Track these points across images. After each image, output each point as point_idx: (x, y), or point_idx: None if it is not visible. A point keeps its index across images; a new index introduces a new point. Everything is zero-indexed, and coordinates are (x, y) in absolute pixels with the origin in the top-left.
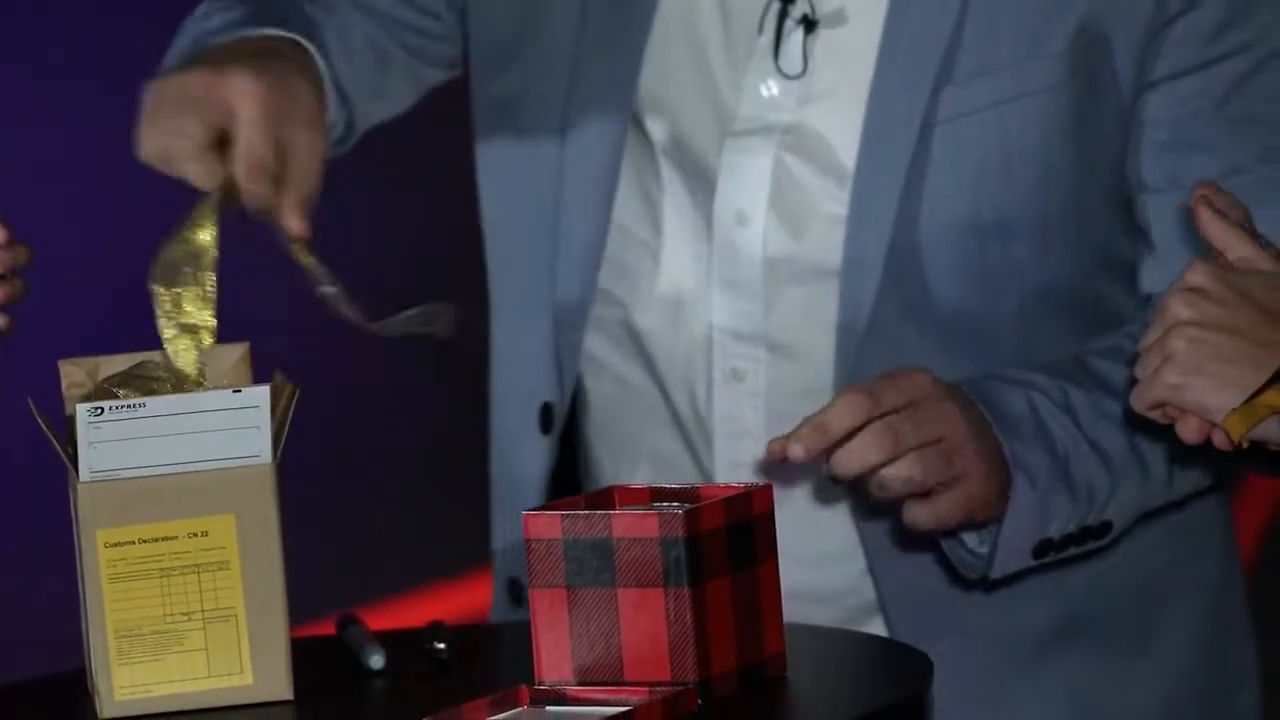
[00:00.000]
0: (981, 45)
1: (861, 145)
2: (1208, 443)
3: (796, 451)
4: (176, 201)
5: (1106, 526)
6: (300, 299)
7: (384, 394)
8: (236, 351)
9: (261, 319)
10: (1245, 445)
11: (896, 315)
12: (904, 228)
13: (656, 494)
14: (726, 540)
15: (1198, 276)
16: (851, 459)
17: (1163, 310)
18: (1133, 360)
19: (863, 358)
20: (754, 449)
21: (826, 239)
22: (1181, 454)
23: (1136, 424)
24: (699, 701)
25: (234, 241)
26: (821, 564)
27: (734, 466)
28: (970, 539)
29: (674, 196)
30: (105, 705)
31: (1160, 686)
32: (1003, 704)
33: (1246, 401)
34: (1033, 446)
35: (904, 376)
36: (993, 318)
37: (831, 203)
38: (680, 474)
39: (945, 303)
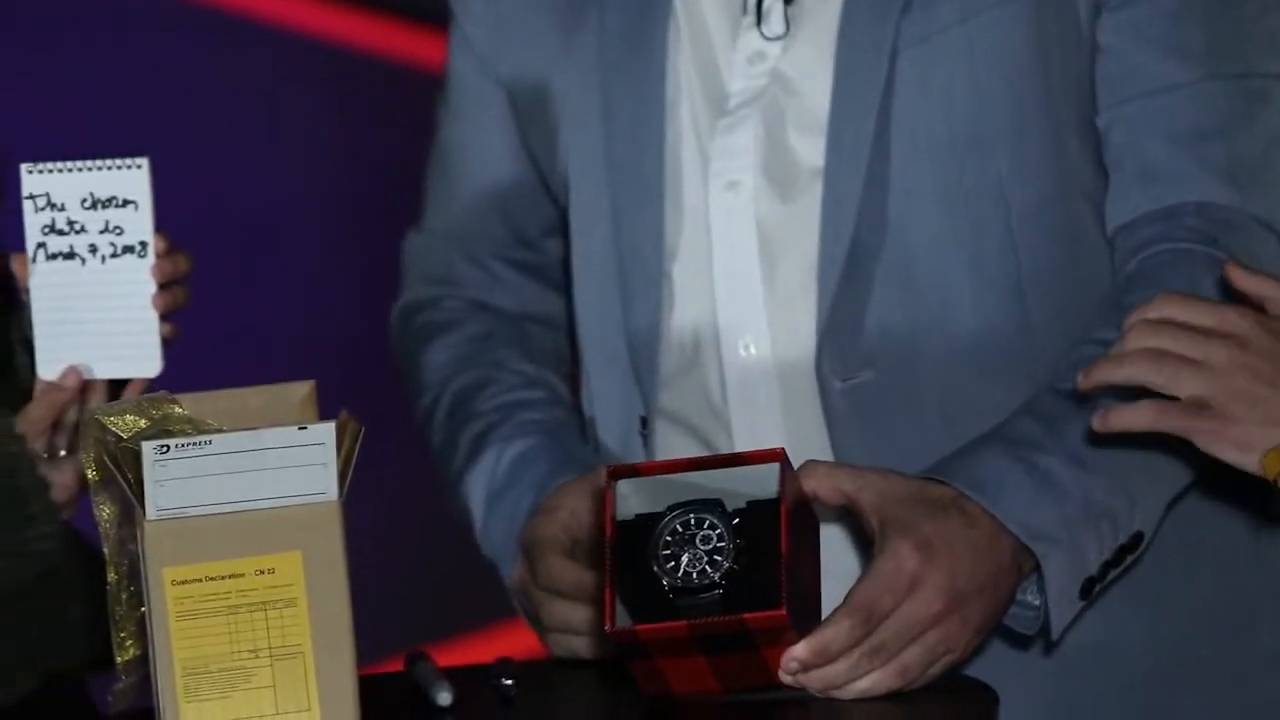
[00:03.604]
0: None
1: (834, 82)
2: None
3: (794, 668)
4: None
5: (1138, 538)
6: (366, 338)
7: None
8: (303, 389)
9: (328, 355)
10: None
11: (879, 257)
12: (881, 161)
13: (695, 463)
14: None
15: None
16: (849, 694)
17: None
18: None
19: (840, 308)
20: (771, 422)
21: (814, 193)
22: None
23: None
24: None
25: (304, 285)
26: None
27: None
28: (1024, 595)
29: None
30: None
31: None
32: None
33: None
34: (1039, 507)
35: (893, 571)
36: (978, 248)
37: (817, 157)
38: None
39: (930, 240)
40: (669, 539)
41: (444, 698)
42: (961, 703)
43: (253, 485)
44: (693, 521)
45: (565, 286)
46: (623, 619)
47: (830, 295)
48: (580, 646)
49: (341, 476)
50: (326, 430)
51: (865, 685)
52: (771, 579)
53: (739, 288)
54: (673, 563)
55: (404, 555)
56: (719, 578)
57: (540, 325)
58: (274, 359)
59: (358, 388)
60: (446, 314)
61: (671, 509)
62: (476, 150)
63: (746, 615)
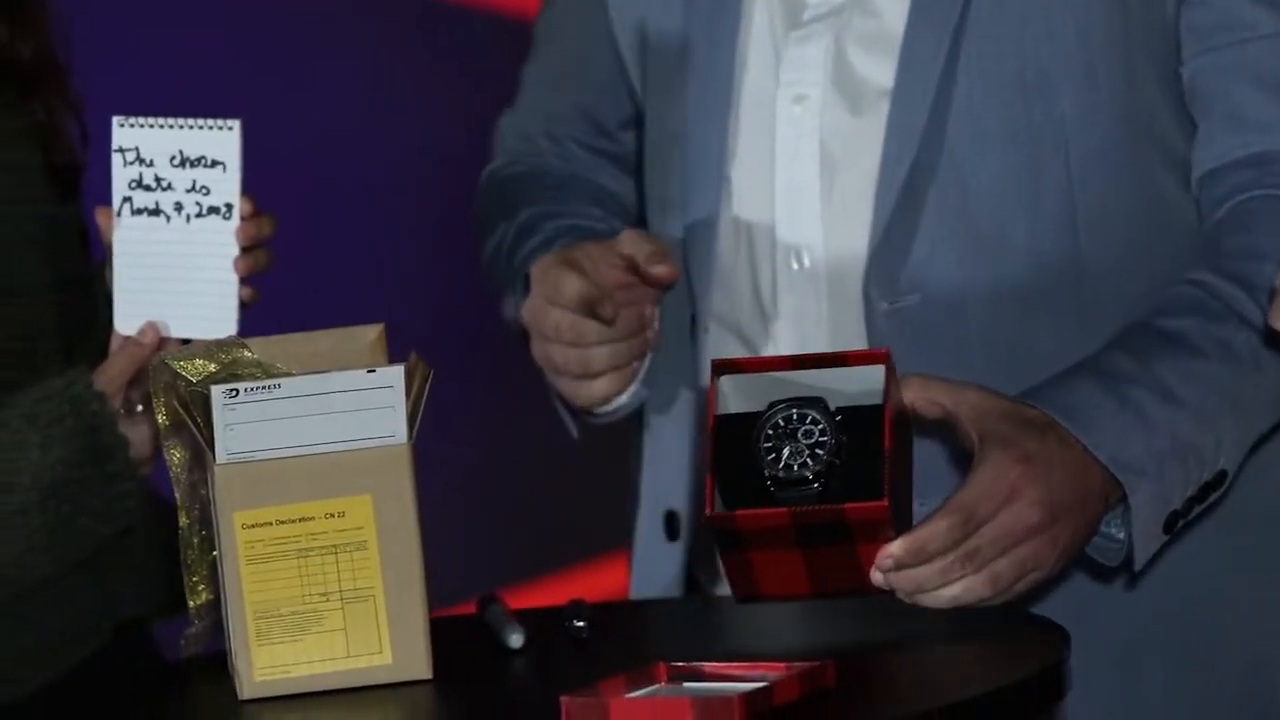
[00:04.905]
0: None
1: (912, 5)
2: None
3: (888, 565)
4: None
5: (1222, 476)
6: (441, 280)
7: (526, 376)
8: (371, 333)
9: (401, 300)
10: None
11: (935, 184)
12: (948, 89)
13: (797, 361)
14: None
15: None
16: (939, 600)
17: None
18: (1247, 303)
19: (894, 229)
20: (817, 335)
21: (880, 113)
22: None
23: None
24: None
25: (381, 231)
26: None
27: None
28: (1107, 527)
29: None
30: (245, 686)
31: None
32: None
33: None
34: (1130, 440)
35: (994, 478)
36: (1036, 185)
37: (885, 78)
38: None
39: (988, 173)
40: (770, 432)
41: (516, 640)
42: (1033, 640)
43: (322, 428)
44: (795, 416)
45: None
46: (721, 510)
47: (885, 216)
48: (564, 389)
49: (411, 419)
50: (396, 373)
51: (955, 592)
52: (873, 474)
53: (797, 199)
54: (773, 455)
55: (476, 497)
56: (820, 471)
57: (611, 200)
58: (343, 301)
59: (427, 329)
60: (526, 167)
61: (774, 405)
62: (571, 34)
63: (847, 505)
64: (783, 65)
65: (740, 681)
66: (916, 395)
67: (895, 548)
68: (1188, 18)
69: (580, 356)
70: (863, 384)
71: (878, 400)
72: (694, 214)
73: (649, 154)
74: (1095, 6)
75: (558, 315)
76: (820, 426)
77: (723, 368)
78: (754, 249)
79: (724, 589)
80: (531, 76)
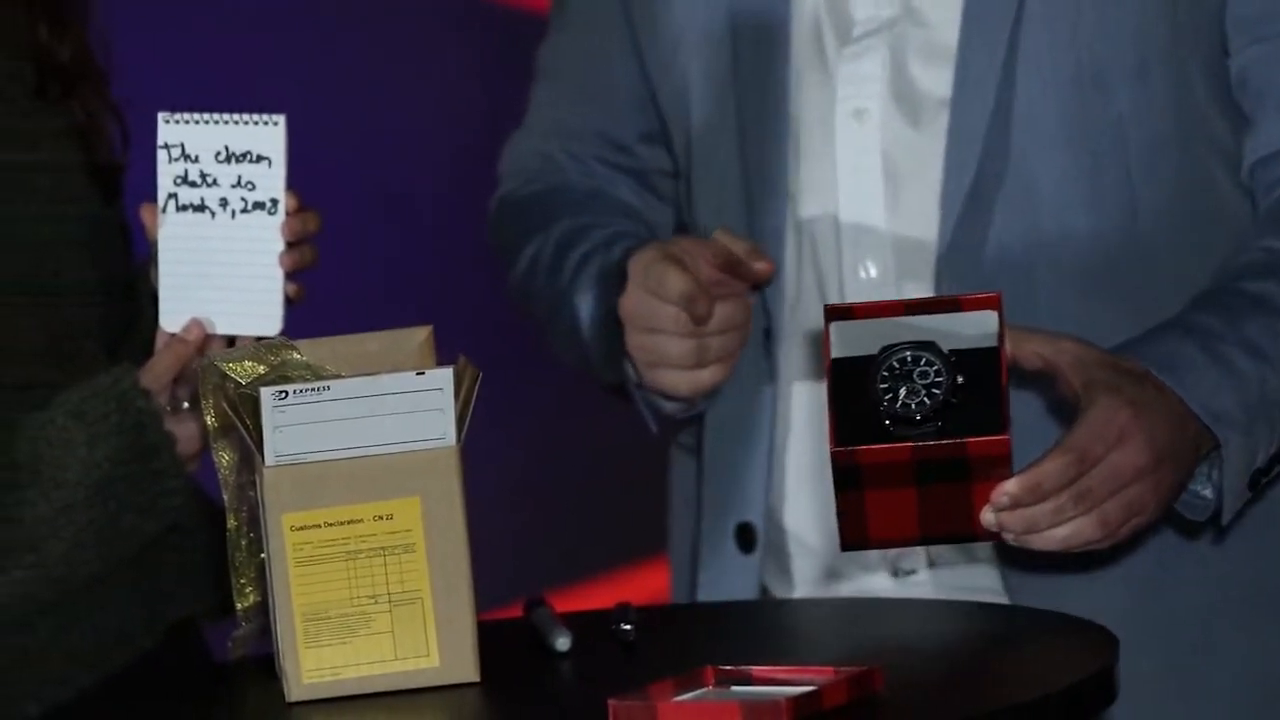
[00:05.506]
0: None
1: (964, 13)
2: None
3: (1004, 502)
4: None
5: None
6: (485, 282)
7: (570, 379)
8: (420, 335)
9: (446, 299)
10: None
11: (1001, 187)
12: (1006, 93)
13: (908, 306)
14: None
15: None
16: (1049, 541)
17: None
18: None
19: (961, 235)
20: None
21: (940, 123)
22: None
23: None
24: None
25: (425, 237)
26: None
27: None
28: (1194, 484)
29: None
30: (294, 688)
31: None
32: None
33: None
34: (1222, 393)
35: (1104, 421)
36: (1097, 183)
37: (943, 87)
38: None
39: (1050, 173)
40: (886, 374)
41: (563, 643)
42: (1082, 645)
43: (371, 431)
44: (910, 358)
45: (664, 194)
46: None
47: (952, 223)
48: (670, 381)
49: (459, 421)
50: (444, 375)
51: (1065, 533)
52: (993, 412)
53: (863, 213)
54: (891, 395)
55: (524, 500)
56: (937, 409)
57: (635, 215)
58: (392, 303)
59: (476, 332)
60: (545, 185)
61: (888, 348)
62: (586, 54)
63: (970, 440)
64: (839, 81)
65: (788, 685)
66: (1017, 348)
67: (1011, 485)
68: (1235, 10)
69: (697, 347)
70: (974, 328)
71: (990, 344)
72: (759, 230)
73: (700, 178)
74: (1147, 4)
75: (672, 308)
76: (935, 368)
77: (835, 313)
78: (819, 261)
79: (797, 595)
80: (542, 98)
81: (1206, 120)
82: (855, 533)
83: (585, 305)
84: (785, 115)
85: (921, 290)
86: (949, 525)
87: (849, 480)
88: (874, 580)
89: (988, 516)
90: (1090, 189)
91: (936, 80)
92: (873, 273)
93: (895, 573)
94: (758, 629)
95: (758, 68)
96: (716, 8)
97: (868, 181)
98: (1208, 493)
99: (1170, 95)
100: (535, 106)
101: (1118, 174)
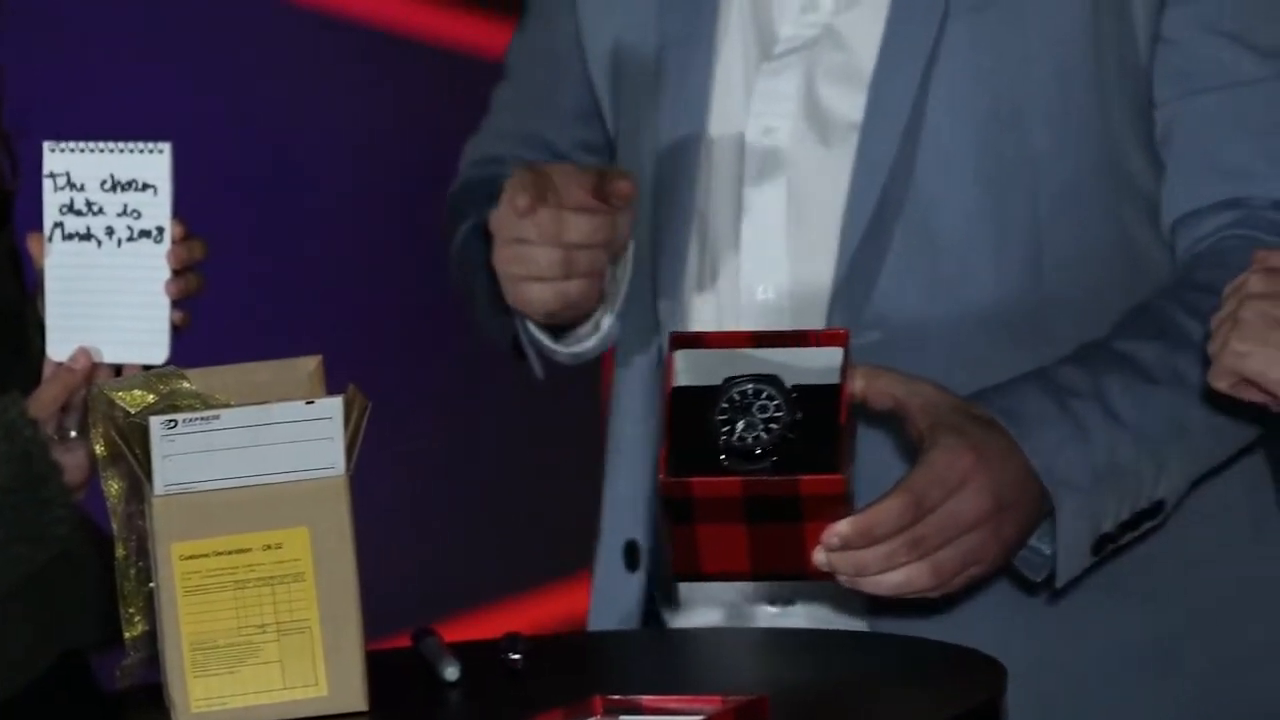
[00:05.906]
0: None
1: (883, 40)
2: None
3: (835, 544)
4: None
5: (1159, 506)
6: (377, 313)
7: (462, 405)
8: (310, 364)
9: (337, 333)
10: None
11: (901, 221)
12: (917, 124)
13: (757, 338)
14: None
15: (1277, 259)
16: (879, 586)
17: (1237, 287)
18: (1206, 338)
19: (857, 266)
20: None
21: (849, 146)
22: (1225, 411)
23: (1213, 398)
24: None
25: (312, 259)
26: None
27: None
28: (1035, 539)
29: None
30: (181, 718)
31: None
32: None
33: None
34: (1068, 451)
35: (946, 464)
36: (1004, 223)
37: (856, 112)
38: None
39: (956, 210)
40: (726, 406)
41: (451, 673)
42: (970, 676)
43: (260, 460)
44: (751, 391)
45: None
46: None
47: (850, 252)
48: (538, 294)
49: (349, 451)
50: (334, 405)
51: (898, 579)
52: (828, 451)
53: (763, 230)
54: (728, 428)
55: (411, 530)
56: (774, 444)
57: None
58: (281, 333)
59: (365, 362)
60: (485, 177)
61: (730, 379)
62: (540, 56)
63: (802, 477)
64: (754, 97)
65: (677, 715)
66: (868, 386)
67: (843, 526)
68: (1165, 61)
69: (564, 258)
70: (821, 363)
71: (835, 380)
72: (663, 240)
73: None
74: (1071, 45)
75: (543, 214)
76: (776, 402)
77: (681, 341)
78: (718, 277)
79: (683, 619)
80: (501, 99)
81: (1129, 166)
82: (686, 564)
83: (467, 233)
84: (699, 130)
85: (814, 317)
86: (781, 563)
87: (681, 512)
88: (757, 608)
89: (819, 557)
90: (995, 229)
91: (850, 104)
92: (770, 294)
93: (773, 601)
94: (647, 658)
95: (680, 80)
96: (648, 8)
97: (771, 200)
98: (1047, 550)
99: (1090, 140)
100: (494, 108)
101: (1025, 215)
